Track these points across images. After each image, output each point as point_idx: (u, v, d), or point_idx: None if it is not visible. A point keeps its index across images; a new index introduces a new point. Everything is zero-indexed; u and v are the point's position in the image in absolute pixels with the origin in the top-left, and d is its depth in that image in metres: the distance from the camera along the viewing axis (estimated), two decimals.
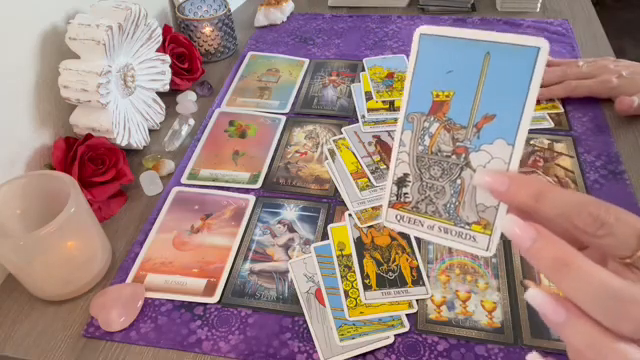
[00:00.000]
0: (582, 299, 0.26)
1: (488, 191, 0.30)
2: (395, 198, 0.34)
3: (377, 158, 0.71)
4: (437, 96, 0.31)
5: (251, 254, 0.61)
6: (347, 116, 0.80)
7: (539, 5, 1.01)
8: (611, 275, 0.25)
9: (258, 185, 0.69)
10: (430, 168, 0.32)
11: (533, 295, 0.27)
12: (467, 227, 0.32)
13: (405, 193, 0.33)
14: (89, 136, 0.67)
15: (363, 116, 0.78)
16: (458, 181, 0.31)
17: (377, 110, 0.79)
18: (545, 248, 0.27)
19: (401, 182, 0.33)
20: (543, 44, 0.28)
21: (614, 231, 0.27)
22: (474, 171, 0.31)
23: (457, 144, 0.31)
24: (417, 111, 0.32)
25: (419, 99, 0.32)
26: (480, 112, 0.30)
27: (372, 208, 0.64)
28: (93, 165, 0.65)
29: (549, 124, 0.75)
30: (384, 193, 0.34)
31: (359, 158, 0.71)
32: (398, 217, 0.34)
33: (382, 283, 0.56)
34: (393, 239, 0.60)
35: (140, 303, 0.56)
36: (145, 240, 0.63)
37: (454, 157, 0.31)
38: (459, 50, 0.30)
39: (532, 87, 0.28)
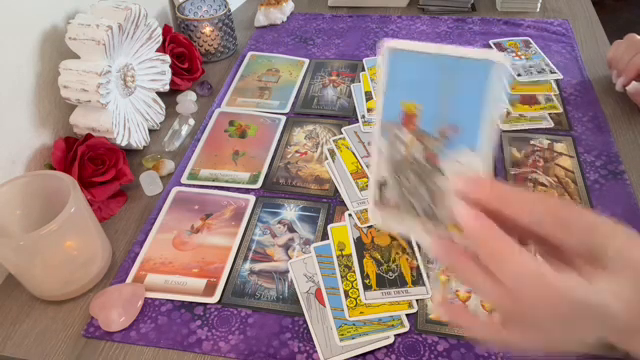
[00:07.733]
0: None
1: (457, 195, 0.32)
2: (379, 200, 0.36)
3: None
4: (407, 108, 0.33)
5: (251, 254, 0.61)
6: (347, 116, 0.80)
7: (539, 5, 1.01)
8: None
9: (258, 185, 0.69)
10: (407, 175, 0.34)
11: None
12: (444, 228, 0.34)
13: (387, 197, 0.36)
14: (89, 136, 0.67)
15: (363, 116, 0.78)
16: (433, 187, 0.34)
17: None
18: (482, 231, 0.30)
19: (382, 187, 0.36)
20: (499, 58, 0.29)
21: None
22: (445, 176, 0.33)
23: (429, 152, 0.33)
24: (391, 121, 0.34)
25: (391, 110, 0.34)
26: (446, 122, 0.32)
27: None
28: (93, 165, 0.65)
29: (549, 124, 0.75)
30: (368, 196, 0.36)
31: (359, 158, 0.71)
32: (383, 218, 0.37)
33: (382, 283, 0.56)
34: (393, 239, 0.60)
35: (140, 303, 0.56)
36: (145, 240, 0.63)
37: (427, 165, 0.33)
38: (425, 64, 0.32)
39: (488, 99, 0.30)
